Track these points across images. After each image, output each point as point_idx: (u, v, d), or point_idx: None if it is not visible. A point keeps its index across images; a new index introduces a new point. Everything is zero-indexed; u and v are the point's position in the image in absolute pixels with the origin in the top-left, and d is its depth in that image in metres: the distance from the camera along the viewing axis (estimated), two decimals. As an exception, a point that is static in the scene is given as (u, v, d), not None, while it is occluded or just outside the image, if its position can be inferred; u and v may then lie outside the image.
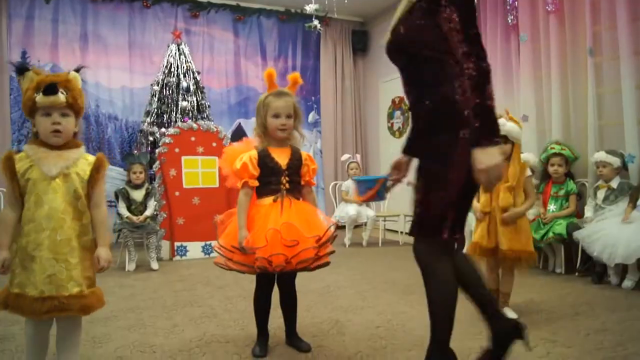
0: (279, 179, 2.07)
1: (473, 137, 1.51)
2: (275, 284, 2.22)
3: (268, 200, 2.04)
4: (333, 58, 7.27)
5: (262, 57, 6.83)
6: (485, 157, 1.49)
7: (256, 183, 2.06)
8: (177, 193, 4.81)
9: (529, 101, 4.58)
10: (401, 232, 5.87)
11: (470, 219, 4.26)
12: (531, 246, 2.69)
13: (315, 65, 7.21)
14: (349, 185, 5.74)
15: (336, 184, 6.24)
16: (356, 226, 5.76)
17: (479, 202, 2.69)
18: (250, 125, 6.50)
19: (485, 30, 5.11)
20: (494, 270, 2.78)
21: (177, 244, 4.86)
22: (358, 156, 5.96)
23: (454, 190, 1.58)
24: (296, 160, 2.12)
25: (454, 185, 1.57)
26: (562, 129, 4.31)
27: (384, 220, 5.92)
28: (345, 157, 5.88)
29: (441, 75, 1.59)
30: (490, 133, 1.51)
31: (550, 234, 3.84)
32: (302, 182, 2.14)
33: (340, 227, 5.60)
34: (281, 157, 2.10)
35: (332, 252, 2.11)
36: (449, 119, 1.57)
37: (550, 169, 4.04)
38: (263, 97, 2.16)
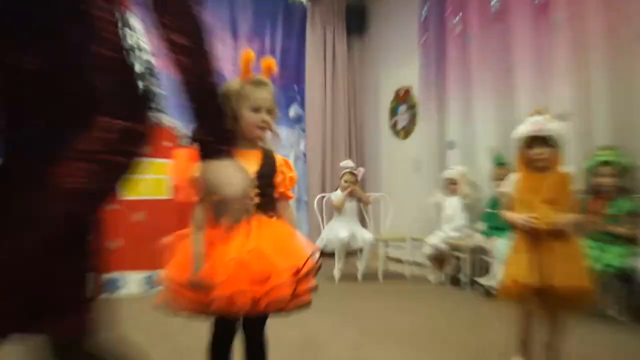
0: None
1: (196, 140, 1.30)
2: (238, 331, 2.09)
3: None
4: (322, 39, 7.14)
5: (233, 36, 6.63)
6: (219, 174, 1.31)
7: None
8: (112, 205, 4.57)
9: (566, 97, 4.47)
10: (409, 263, 5.71)
11: (500, 247, 4.26)
12: (590, 280, 2.54)
13: (299, 47, 7.07)
14: (338, 194, 5.55)
15: (323, 197, 6.06)
16: (349, 253, 5.57)
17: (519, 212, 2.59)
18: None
19: (510, 11, 5.01)
20: (531, 317, 2.68)
21: (109, 275, 4.61)
22: (362, 169, 5.71)
23: (46, 233, 1.12)
24: (269, 167, 2.08)
25: (49, 224, 1.12)
26: (611, 131, 4.19)
27: (386, 246, 5.71)
28: (345, 163, 5.65)
29: (82, 28, 1.19)
30: (218, 136, 1.31)
31: (601, 266, 3.65)
32: (277, 195, 2.06)
33: (327, 255, 5.37)
34: (249, 163, 2.02)
35: (315, 288, 1.99)
36: (72, 100, 1.16)
37: (598, 182, 3.94)
38: (236, 84, 2.08)
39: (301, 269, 1.87)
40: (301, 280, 1.89)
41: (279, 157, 2.12)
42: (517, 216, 2.60)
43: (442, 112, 5.84)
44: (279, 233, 1.97)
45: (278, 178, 2.11)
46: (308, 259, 1.91)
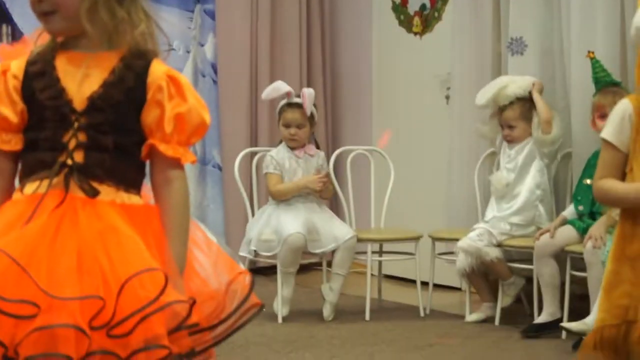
0: (60, 135, 1.35)
1: None
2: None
3: (32, 187, 1.35)
4: None
5: None
6: None
7: (15, 145, 1.37)
8: None
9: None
10: (426, 285, 3.45)
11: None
12: None
13: None
14: (282, 157, 3.32)
15: (252, 155, 3.70)
16: (305, 266, 3.67)
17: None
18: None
19: None
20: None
21: None
22: (309, 92, 3.37)
23: None
24: (124, 84, 1.36)
25: None
26: None
27: (379, 253, 3.58)
28: (274, 89, 3.38)
29: None
30: None
31: None
32: (144, 153, 1.35)
33: (259, 270, 3.60)
34: (77, 75, 1.33)
35: (219, 340, 1.32)
36: None
37: None
38: None
39: (189, 313, 1.24)
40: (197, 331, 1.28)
41: (157, 69, 1.36)
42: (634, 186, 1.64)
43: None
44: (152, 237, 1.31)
45: (149, 113, 1.38)
46: (229, 285, 1.34)
